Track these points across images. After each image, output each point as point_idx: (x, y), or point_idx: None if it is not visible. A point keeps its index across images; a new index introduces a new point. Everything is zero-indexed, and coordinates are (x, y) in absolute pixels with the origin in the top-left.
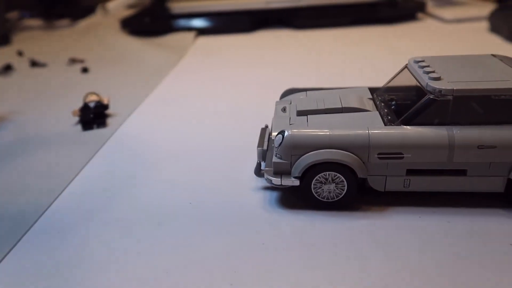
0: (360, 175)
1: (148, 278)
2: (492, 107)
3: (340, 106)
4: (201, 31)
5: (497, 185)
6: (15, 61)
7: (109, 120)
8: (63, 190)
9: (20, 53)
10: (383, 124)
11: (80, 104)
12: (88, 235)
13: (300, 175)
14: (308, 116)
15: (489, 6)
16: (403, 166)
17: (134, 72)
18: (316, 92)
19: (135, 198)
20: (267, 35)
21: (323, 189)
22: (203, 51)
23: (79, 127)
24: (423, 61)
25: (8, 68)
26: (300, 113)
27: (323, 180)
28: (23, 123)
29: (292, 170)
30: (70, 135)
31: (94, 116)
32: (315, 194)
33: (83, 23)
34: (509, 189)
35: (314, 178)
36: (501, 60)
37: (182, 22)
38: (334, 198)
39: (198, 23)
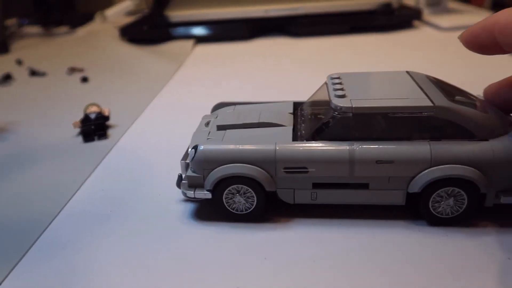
0: (268, 188)
1: None
2: (390, 124)
3: (257, 121)
4: (199, 39)
5: (397, 198)
6: (14, 70)
7: (110, 132)
8: (66, 203)
9: (19, 62)
10: (291, 139)
11: (80, 115)
12: (91, 250)
13: (211, 188)
14: (227, 130)
15: (485, 13)
16: (309, 180)
17: (134, 80)
18: (242, 106)
19: (139, 211)
20: (266, 43)
21: (234, 202)
22: (202, 59)
23: (79, 138)
24: (338, 77)
25: (7, 78)
26: (220, 128)
27: (234, 193)
28: (23, 134)
29: (205, 183)
30: (71, 147)
31: (95, 127)
32: (227, 206)
33: (82, 31)
34: (409, 202)
35: (224, 191)
36: (412, 77)
37: (181, 30)
38: (245, 210)
39: (197, 31)
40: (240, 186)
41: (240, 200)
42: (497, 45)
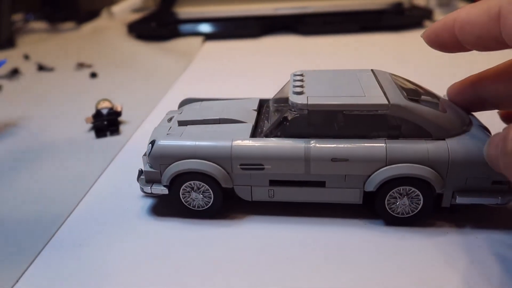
0: (224, 185)
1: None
2: (346, 122)
3: (218, 117)
4: (208, 36)
5: (354, 197)
6: (21, 64)
7: (122, 128)
8: (82, 199)
9: (26, 57)
10: (248, 136)
11: (91, 110)
12: (108, 245)
13: (168, 183)
14: (187, 126)
15: None
16: (265, 177)
17: (144, 77)
18: (208, 102)
19: (153, 206)
20: (275, 41)
21: (191, 198)
22: (211, 56)
23: (92, 134)
24: (301, 74)
25: (15, 72)
26: (181, 123)
27: (190, 189)
28: (34, 130)
29: (162, 178)
30: (84, 142)
31: (107, 123)
32: (184, 202)
33: (88, 27)
34: (366, 200)
35: (181, 187)
36: (375, 76)
37: (189, 27)
38: (202, 207)
39: (206, 28)
40: (196, 182)
41: (197, 196)
42: (457, 42)
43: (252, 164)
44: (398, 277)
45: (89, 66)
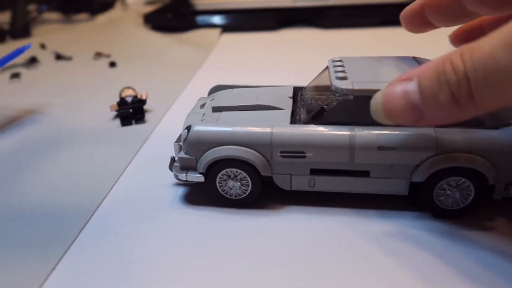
0: (263, 173)
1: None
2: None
3: (254, 104)
4: (225, 28)
5: (400, 187)
6: (38, 54)
7: (146, 116)
8: (112, 186)
9: (43, 46)
10: (288, 123)
11: (114, 99)
12: (141, 233)
13: (204, 171)
14: (222, 112)
15: None
16: (307, 165)
17: (164, 67)
18: (240, 89)
19: (187, 194)
20: (292, 34)
21: (228, 186)
22: (229, 48)
23: (116, 122)
24: (340, 60)
25: (33, 61)
26: (215, 109)
27: (227, 177)
28: (57, 117)
29: (198, 165)
30: (109, 130)
31: (133, 111)
32: (220, 191)
33: (102, 18)
34: (413, 192)
35: (218, 175)
36: (417, 62)
37: (206, 19)
38: (239, 196)
39: (223, 20)
40: (234, 170)
41: (234, 184)
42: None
43: (293, 151)
44: (443, 271)
45: (107, 55)
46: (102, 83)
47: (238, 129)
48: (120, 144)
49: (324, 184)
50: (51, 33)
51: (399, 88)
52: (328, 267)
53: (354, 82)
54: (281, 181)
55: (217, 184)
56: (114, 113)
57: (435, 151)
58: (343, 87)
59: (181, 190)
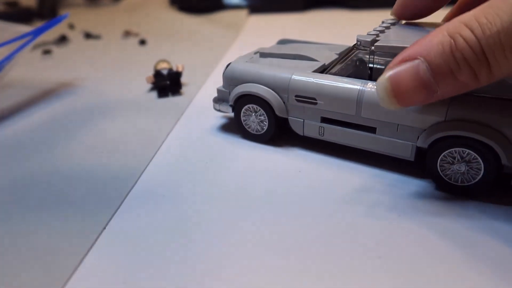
0: (278, 113)
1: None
2: None
3: (295, 53)
4: (252, 9)
5: (405, 151)
6: (67, 33)
7: (183, 89)
8: (155, 153)
9: (71, 26)
10: (311, 71)
11: (147, 73)
12: (184, 196)
13: (232, 103)
14: (267, 58)
15: None
16: (318, 112)
17: (194, 46)
18: (302, 44)
19: (224, 162)
20: (320, 15)
21: (251, 120)
22: (257, 28)
23: (152, 94)
24: (390, 22)
25: (63, 39)
26: (262, 55)
27: (250, 112)
28: (92, 90)
29: (229, 98)
30: (146, 102)
31: (170, 83)
32: (243, 124)
33: (126, 2)
34: (419, 158)
35: (242, 109)
36: None
37: (233, 0)
38: (258, 132)
39: (249, 0)
40: (255, 106)
41: (254, 120)
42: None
43: (306, 97)
44: (431, 244)
45: (136, 34)
46: (133, 59)
47: (264, 70)
48: (159, 114)
49: (332, 134)
50: (77, 15)
51: (406, 69)
52: (314, 208)
53: (378, 39)
54: (295, 125)
55: (241, 117)
56: (149, 86)
57: (444, 116)
58: (364, 39)
59: (221, 157)
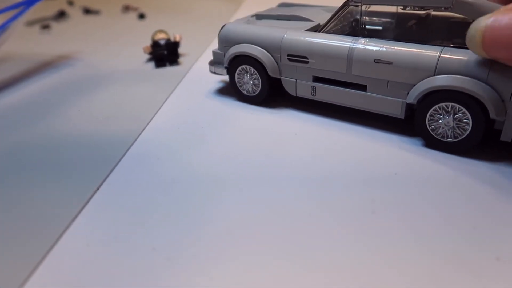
0: (271, 73)
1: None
2: (399, 23)
3: (290, 14)
4: None
5: (396, 108)
6: (67, 9)
7: (180, 59)
8: (152, 118)
9: (70, 3)
10: (303, 30)
11: (145, 45)
12: (178, 159)
13: (227, 65)
14: (262, 20)
15: None
16: (309, 71)
17: (193, 18)
18: (301, 7)
19: (219, 127)
20: None
21: (244, 81)
22: (258, 3)
23: (150, 65)
24: None
25: (62, 15)
26: (258, 17)
27: (244, 72)
28: (91, 61)
29: (224, 60)
30: (144, 72)
31: (167, 53)
32: (238, 85)
33: None
34: (409, 116)
35: (236, 70)
36: None
37: None
38: (252, 93)
39: None
40: (248, 67)
41: (248, 81)
42: None
43: (297, 56)
44: (413, 200)
45: (135, 9)
46: (132, 33)
47: (257, 30)
48: (156, 82)
49: (324, 93)
50: None
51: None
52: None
53: None
54: (288, 85)
55: (236, 78)
56: (147, 56)
57: (434, 71)
58: None
59: (216, 121)
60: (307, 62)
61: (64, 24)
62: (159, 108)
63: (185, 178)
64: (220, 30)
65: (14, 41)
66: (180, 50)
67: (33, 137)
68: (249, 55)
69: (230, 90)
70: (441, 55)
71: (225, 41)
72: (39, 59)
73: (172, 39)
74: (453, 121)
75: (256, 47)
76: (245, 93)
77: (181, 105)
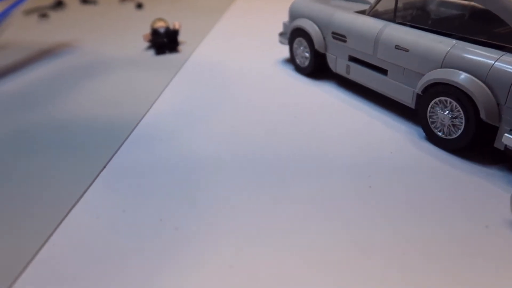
0: (317, 47)
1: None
2: (434, 12)
3: None
4: None
5: (408, 96)
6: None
7: (180, 47)
8: (153, 104)
9: None
10: (352, 12)
11: (145, 32)
12: (181, 140)
13: (289, 35)
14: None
15: None
16: (346, 50)
17: (190, 9)
18: None
19: (229, 107)
20: None
21: (298, 52)
22: None
23: (150, 52)
24: None
25: (59, 4)
26: None
27: (299, 44)
28: (90, 49)
29: (287, 31)
30: (144, 59)
31: (167, 40)
32: (295, 56)
33: None
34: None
35: (294, 41)
36: None
37: None
38: (303, 65)
39: None
40: (302, 39)
41: (301, 53)
42: None
43: (339, 34)
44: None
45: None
46: (131, 22)
47: (315, 7)
48: (157, 69)
49: (355, 72)
50: None
51: None
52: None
53: None
54: (331, 61)
55: (294, 48)
56: (147, 45)
57: (441, 63)
58: None
59: (219, 105)
60: (345, 41)
61: (62, 13)
62: (161, 93)
63: (189, 157)
64: (291, 4)
65: (13, 29)
66: (179, 38)
67: (38, 120)
68: (302, 28)
69: (230, 77)
70: (451, 49)
71: (291, 15)
72: (39, 47)
73: (171, 27)
74: (449, 118)
75: (310, 21)
76: (298, 63)
77: (182, 90)
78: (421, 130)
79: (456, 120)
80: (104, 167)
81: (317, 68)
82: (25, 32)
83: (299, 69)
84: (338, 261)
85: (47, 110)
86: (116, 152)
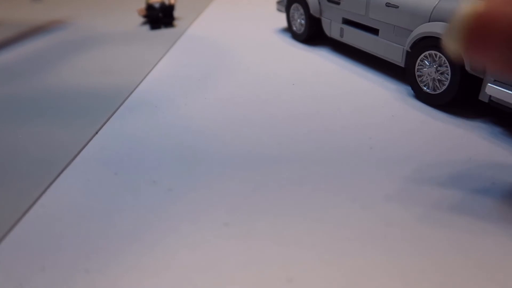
0: (312, 12)
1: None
2: None
3: None
4: None
5: (398, 55)
6: None
7: (175, 22)
8: (148, 73)
9: None
10: None
11: (139, 7)
12: (176, 106)
13: (286, 2)
14: None
15: None
16: (340, 13)
17: None
18: None
19: (225, 77)
20: None
21: (295, 19)
22: None
23: (145, 27)
24: None
25: None
26: None
27: (295, 11)
28: (85, 25)
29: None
30: (139, 33)
31: (162, 15)
32: (291, 22)
33: None
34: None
35: (290, 8)
36: None
37: None
38: (298, 31)
39: None
40: (298, 5)
41: (297, 19)
42: None
43: None
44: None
45: None
46: (124, 1)
47: None
48: (152, 43)
49: (348, 35)
50: None
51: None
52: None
53: None
54: (325, 25)
55: (291, 14)
56: (142, 20)
57: (429, 17)
58: None
59: (213, 75)
60: (339, 4)
61: None
62: (156, 64)
63: (184, 123)
64: None
65: (4, 9)
66: (175, 14)
67: (30, 88)
68: None
69: (227, 48)
70: (438, 2)
71: None
72: (31, 24)
73: (166, 2)
74: (435, 71)
75: None
76: (295, 29)
77: (178, 60)
78: (409, 88)
79: (443, 76)
80: (96, 132)
81: (313, 33)
82: (17, 10)
83: (296, 36)
84: (336, 218)
85: (39, 80)
86: (109, 118)
